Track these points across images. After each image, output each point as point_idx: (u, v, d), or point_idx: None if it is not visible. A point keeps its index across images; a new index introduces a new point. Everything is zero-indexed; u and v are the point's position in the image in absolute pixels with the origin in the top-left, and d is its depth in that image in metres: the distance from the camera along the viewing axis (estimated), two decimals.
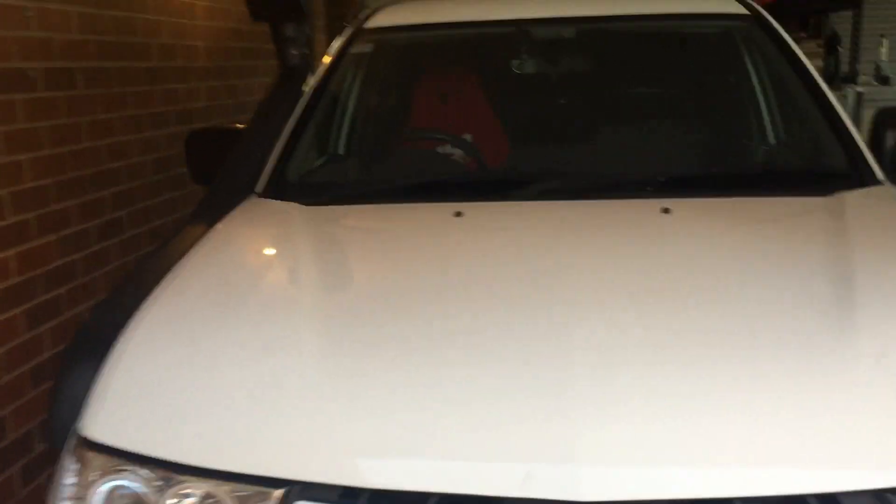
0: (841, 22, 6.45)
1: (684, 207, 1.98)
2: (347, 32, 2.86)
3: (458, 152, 2.70)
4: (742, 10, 2.72)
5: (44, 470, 2.98)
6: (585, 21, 2.78)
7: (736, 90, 2.78)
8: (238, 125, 2.83)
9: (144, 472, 1.41)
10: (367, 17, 2.92)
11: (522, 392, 1.34)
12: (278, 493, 1.32)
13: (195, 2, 4.26)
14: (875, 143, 2.35)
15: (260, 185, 2.37)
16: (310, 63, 2.68)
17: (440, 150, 2.71)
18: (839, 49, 6.21)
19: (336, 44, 2.82)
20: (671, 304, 1.55)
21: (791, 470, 1.22)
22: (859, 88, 5.88)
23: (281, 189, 2.34)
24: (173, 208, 4.00)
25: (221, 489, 1.36)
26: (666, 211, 1.95)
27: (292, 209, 2.22)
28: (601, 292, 1.59)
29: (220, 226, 2.11)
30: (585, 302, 1.55)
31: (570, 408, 1.29)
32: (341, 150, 2.75)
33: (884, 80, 6.15)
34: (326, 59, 2.77)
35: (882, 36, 6.27)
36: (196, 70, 4.27)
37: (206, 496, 1.37)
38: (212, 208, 2.28)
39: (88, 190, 3.27)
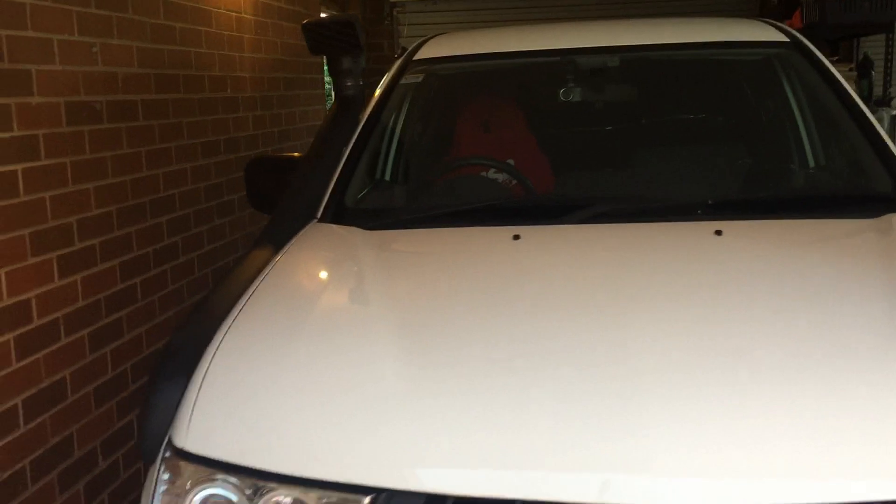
0: (872, 46, 6.50)
1: (736, 229, 2.05)
2: (397, 64, 2.98)
3: (504, 178, 2.79)
4: (782, 37, 2.80)
5: (106, 487, 3.08)
6: (629, 50, 2.87)
7: (778, 115, 2.85)
8: (294, 154, 2.95)
9: (236, 480, 1.49)
10: (416, 49, 3.03)
11: (596, 404, 1.41)
12: (367, 500, 1.40)
13: (243, 35, 4.41)
14: None
15: (320, 211, 2.48)
16: (364, 94, 2.79)
17: (485, 175, 2.81)
18: (872, 73, 6.24)
19: (387, 75, 2.93)
20: (735, 321, 1.62)
21: (865, 481, 1.28)
22: (894, 111, 5.91)
23: (340, 214, 2.45)
24: (222, 234, 4.13)
25: (310, 496, 1.45)
26: (718, 233, 2.02)
27: (355, 233, 2.32)
28: (665, 310, 1.66)
29: (287, 249, 2.21)
30: (650, 320, 1.62)
31: (645, 420, 1.36)
32: (395, 177, 2.86)
33: None
34: (378, 91, 2.88)
35: None
36: (244, 100, 4.41)
37: (296, 503, 1.46)
38: (276, 233, 2.38)
39: (147, 216, 3.40)
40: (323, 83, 5.90)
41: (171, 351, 1.82)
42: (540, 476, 1.34)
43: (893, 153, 2.36)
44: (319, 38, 2.67)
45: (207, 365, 1.67)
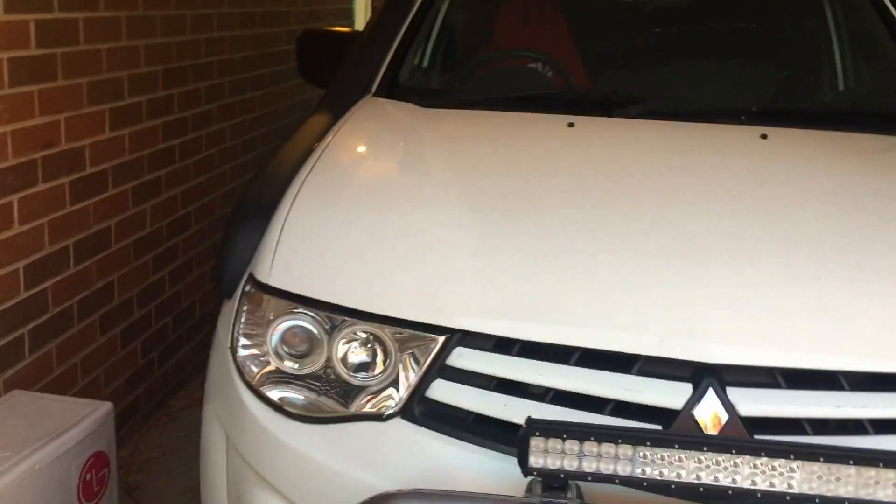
0: None
1: (781, 135, 2.17)
2: None
3: (546, 70, 2.87)
4: None
5: (133, 337, 3.25)
6: None
7: (822, 32, 2.93)
8: (344, 28, 3.01)
9: (316, 313, 1.63)
10: None
11: (652, 273, 1.55)
12: (441, 339, 1.54)
13: None
14: None
15: (374, 86, 2.56)
16: None
17: (535, 67, 2.88)
18: None
19: None
20: (783, 212, 1.77)
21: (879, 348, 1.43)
22: None
23: (394, 90, 2.54)
24: (253, 106, 4.20)
25: (385, 332, 1.58)
26: (764, 137, 2.14)
27: (409, 109, 2.41)
28: (718, 198, 1.79)
29: (348, 118, 2.31)
30: (705, 205, 1.76)
31: (695, 288, 1.51)
32: (446, 60, 2.93)
33: None
34: None
35: None
36: None
37: (371, 337, 1.60)
38: (334, 104, 2.47)
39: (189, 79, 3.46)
40: None
41: (249, 198, 1.94)
42: (602, 327, 1.48)
43: None
44: None
45: (288, 209, 1.79)
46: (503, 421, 1.48)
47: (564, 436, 1.30)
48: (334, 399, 1.61)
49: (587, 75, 2.80)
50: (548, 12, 3.12)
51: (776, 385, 1.43)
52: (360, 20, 6.80)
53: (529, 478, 1.35)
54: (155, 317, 3.35)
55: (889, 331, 1.46)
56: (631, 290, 1.52)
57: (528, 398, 1.49)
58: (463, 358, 1.52)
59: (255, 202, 1.92)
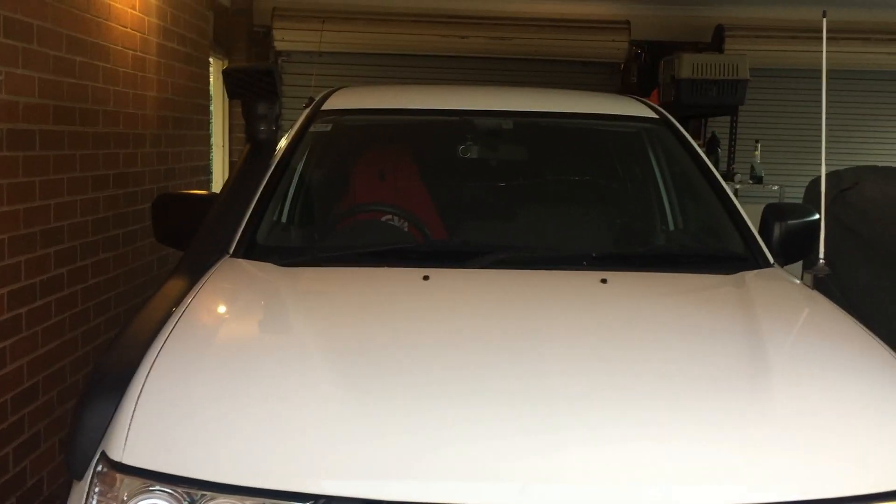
0: (718, 126, 7.22)
1: (619, 279, 2.34)
2: (305, 113, 3.15)
3: (402, 224, 3.00)
4: (653, 114, 3.18)
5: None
6: (518, 115, 3.17)
7: (648, 182, 3.22)
8: (201, 192, 3.05)
9: (173, 490, 1.58)
10: (324, 100, 3.21)
11: (513, 421, 1.62)
12: None
13: (137, 73, 4.44)
14: (764, 232, 2.80)
15: (232, 247, 2.59)
16: (276, 138, 2.94)
17: (391, 221, 3.00)
18: (718, 149, 6.93)
19: (297, 122, 3.09)
20: (624, 351, 1.89)
21: (726, 486, 1.54)
22: (736, 185, 6.57)
23: (252, 250, 2.57)
24: (107, 268, 4.10)
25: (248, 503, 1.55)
26: (604, 281, 2.30)
27: (267, 268, 2.45)
28: (565, 343, 1.91)
29: (206, 280, 2.31)
30: (554, 350, 1.86)
31: (555, 435, 1.58)
32: (302, 218, 3.00)
33: (758, 180, 6.89)
34: (288, 137, 3.04)
35: (756, 140, 7.05)
36: (135, 137, 4.43)
37: None
38: (191, 266, 2.48)
39: (37, 246, 3.37)
40: (208, 125, 5.95)
41: (101, 372, 1.89)
42: (466, 482, 1.51)
43: (746, 221, 2.75)
44: (239, 84, 2.81)
45: (144, 379, 1.76)
46: None
47: None
48: None
49: (443, 226, 2.95)
50: (402, 169, 3.29)
51: None
52: (218, 175, 6.87)
53: None
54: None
55: (739, 464, 1.57)
56: (489, 441, 1.57)
57: None
58: None
59: (108, 372, 1.87)
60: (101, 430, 1.75)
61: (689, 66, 6.47)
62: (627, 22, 7.30)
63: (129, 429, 1.67)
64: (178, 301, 2.19)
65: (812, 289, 2.48)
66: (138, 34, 4.43)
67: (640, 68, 7.51)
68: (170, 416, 1.70)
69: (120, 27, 4.19)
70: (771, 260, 2.63)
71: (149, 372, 1.80)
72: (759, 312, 2.16)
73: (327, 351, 1.85)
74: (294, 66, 7.24)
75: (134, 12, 4.36)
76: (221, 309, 2.21)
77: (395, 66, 7.16)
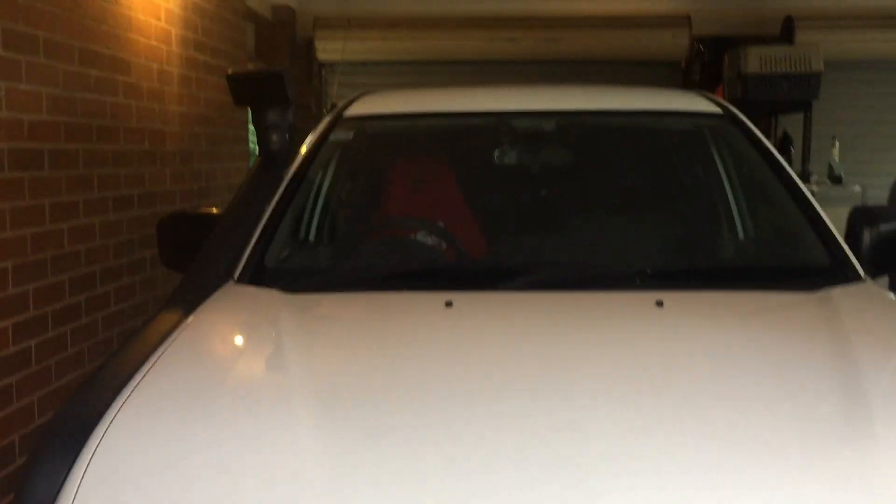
0: (791, 124, 6.71)
1: (678, 300, 1.96)
2: (326, 120, 2.85)
3: (435, 241, 2.67)
4: (716, 108, 2.79)
5: None
6: (564, 115, 2.81)
7: (711, 186, 2.82)
8: (212, 210, 2.77)
9: None
10: (347, 106, 2.91)
11: (525, 483, 1.27)
12: None
13: (163, 88, 4.23)
14: (852, 240, 2.39)
15: (237, 272, 2.30)
16: (291, 149, 2.65)
17: (414, 238, 2.68)
18: (791, 149, 6.43)
19: (316, 131, 2.80)
20: (681, 398, 1.51)
21: None
22: (813, 187, 6.07)
23: (259, 275, 2.27)
24: (132, 293, 3.88)
25: None
26: (660, 304, 1.92)
27: (272, 296, 2.14)
28: (605, 396, 1.53)
29: (198, 312, 2.03)
30: (589, 406, 1.49)
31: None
32: (319, 237, 2.70)
33: (837, 180, 6.36)
34: (304, 147, 2.75)
35: (833, 137, 6.53)
36: (162, 154, 4.21)
37: None
38: (189, 294, 2.19)
39: (48, 273, 3.15)
40: (247, 140, 5.74)
41: (56, 425, 1.61)
42: None
43: (829, 227, 2.33)
44: (245, 89, 2.53)
45: (98, 441, 1.48)
46: None
47: None
48: None
49: (475, 241, 2.61)
50: (432, 179, 2.97)
51: None
52: None
53: None
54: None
55: None
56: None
57: None
58: None
59: (65, 428, 1.59)
60: (51, 495, 1.48)
61: (756, 59, 6.01)
62: (688, 17, 6.86)
63: (82, 487, 1.39)
64: (165, 337, 1.90)
65: None
66: (164, 47, 4.22)
67: (703, 66, 7.06)
68: (126, 481, 1.41)
69: (143, 39, 3.98)
70: (861, 273, 2.22)
71: (109, 426, 1.51)
72: (853, 339, 1.76)
73: (314, 409, 1.52)
74: (338, 76, 7.01)
75: (159, 23, 4.16)
76: (206, 348, 1.90)
77: (440, 73, 6.87)
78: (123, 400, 1.59)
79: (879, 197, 5.75)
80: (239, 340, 1.99)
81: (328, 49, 6.87)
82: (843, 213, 2.52)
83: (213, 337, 1.96)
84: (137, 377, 1.68)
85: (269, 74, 2.52)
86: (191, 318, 1.99)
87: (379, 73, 6.95)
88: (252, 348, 1.94)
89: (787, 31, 6.68)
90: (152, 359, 1.76)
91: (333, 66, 7.04)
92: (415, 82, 6.91)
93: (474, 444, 1.38)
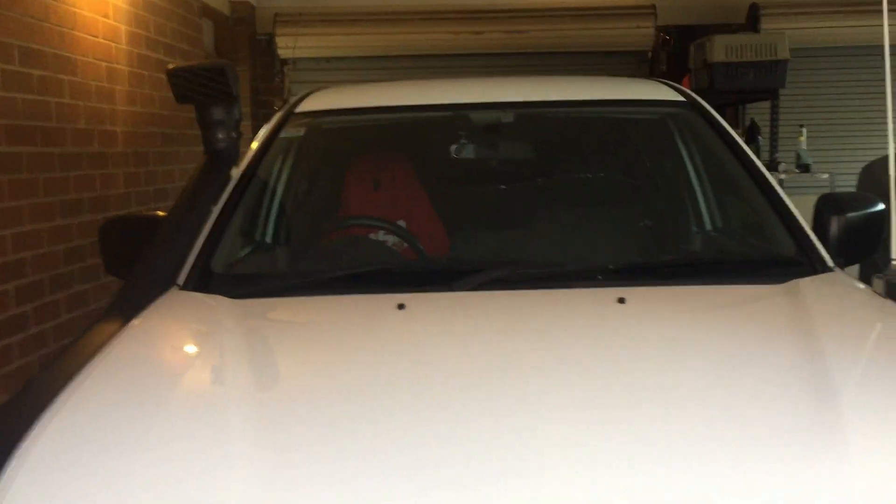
0: (758, 112, 6.67)
1: (640, 296, 1.87)
2: (277, 117, 2.74)
3: (395, 240, 2.57)
4: (679, 97, 2.71)
5: None
6: (524, 106, 2.72)
7: (675, 176, 2.74)
8: (158, 212, 2.65)
9: None
10: (298, 102, 2.80)
11: (479, 479, 1.19)
12: None
13: (113, 87, 4.09)
14: (819, 229, 2.32)
15: (182, 277, 2.18)
16: (238, 148, 2.52)
17: (374, 237, 2.58)
18: (759, 138, 6.39)
19: (265, 128, 2.69)
20: (639, 393, 1.43)
21: None
22: (781, 176, 6.03)
23: (205, 281, 2.16)
24: (86, 300, 3.74)
25: None
26: (621, 300, 1.84)
27: (217, 302, 2.03)
28: (570, 397, 1.44)
29: (136, 321, 1.91)
30: (551, 410, 1.40)
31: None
32: (270, 239, 2.59)
33: (805, 168, 6.33)
34: (255, 144, 2.63)
35: (801, 125, 6.49)
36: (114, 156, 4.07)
37: None
38: (128, 302, 2.07)
39: None
40: None
41: None
42: None
43: (796, 217, 2.26)
44: (187, 85, 2.40)
45: (22, 457, 1.37)
46: None
47: None
48: None
49: (436, 243, 2.51)
50: (395, 175, 2.86)
51: None
52: None
53: None
54: None
55: None
56: None
57: None
58: None
59: None
60: None
61: (721, 48, 5.95)
62: (653, 6, 6.80)
63: None
64: (102, 347, 1.79)
65: (884, 297, 2.00)
66: (112, 44, 4.07)
67: (669, 55, 7.00)
68: (54, 495, 1.30)
69: (89, 37, 3.83)
70: (830, 262, 2.15)
71: (33, 443, 1.40)
72: (819, 330, 1.69)
73: (252, 426, 1.41)
74: (300, 73, 6.88)
75: (106, 20, 4.01)
76: (144, 359, 1.78)
77: (407, 68, 6.75)
78: (52, 414, 1.48)
79: (848, 184, 5.72)
80: (178, 350, 1.88)
81: (290, 45, 6.72)
82: (812, 201, 2.45)
83: (149, 347, 1.85)
84: (68, 391, 1.57)
85: (210, 68, 2.38)
86: (128, 328, 1.88)
87: (343, 70, 6.82)
88: (192, 358, 1.83)
89: (752, 19, 6.63)
90: (83, 373, 1.65)
91: (296, 62, 6.90)
92: (381, 78, 6.79)
93: (421, 446, 1.30)
